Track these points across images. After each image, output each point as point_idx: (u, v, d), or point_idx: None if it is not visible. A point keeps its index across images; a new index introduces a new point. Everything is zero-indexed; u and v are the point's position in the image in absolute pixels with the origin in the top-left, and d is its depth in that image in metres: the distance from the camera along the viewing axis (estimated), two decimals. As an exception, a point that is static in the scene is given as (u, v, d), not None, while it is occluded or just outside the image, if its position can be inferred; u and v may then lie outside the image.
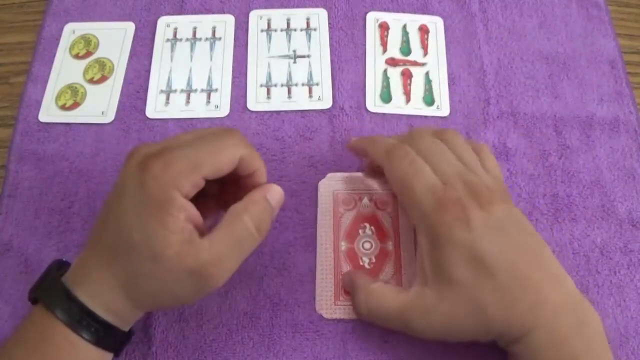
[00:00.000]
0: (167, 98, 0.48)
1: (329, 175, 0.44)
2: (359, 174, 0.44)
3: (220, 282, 0.32)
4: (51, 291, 0.32)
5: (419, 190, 0.35)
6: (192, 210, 0.32)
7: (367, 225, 0.42)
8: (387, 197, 0.42)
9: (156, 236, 0.30)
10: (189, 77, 0.49)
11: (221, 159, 0.33)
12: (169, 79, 0.49)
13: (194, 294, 0.32)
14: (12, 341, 0.32)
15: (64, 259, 0.35)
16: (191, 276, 0.31)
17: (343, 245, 0.41)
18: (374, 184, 0.43)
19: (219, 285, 0.32)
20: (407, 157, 0.36)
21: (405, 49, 0.50)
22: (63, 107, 0.48)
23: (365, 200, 0.42)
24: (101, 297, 0.31)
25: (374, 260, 0.41)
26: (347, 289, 0.39)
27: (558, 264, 0.34)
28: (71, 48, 0.50)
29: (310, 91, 0.48)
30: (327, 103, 0.48)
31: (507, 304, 0.32)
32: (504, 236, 0.33)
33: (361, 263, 0.40)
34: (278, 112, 0.47)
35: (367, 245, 0.41)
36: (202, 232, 0.32)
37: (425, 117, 0.47)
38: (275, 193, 0.35)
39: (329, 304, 0.39)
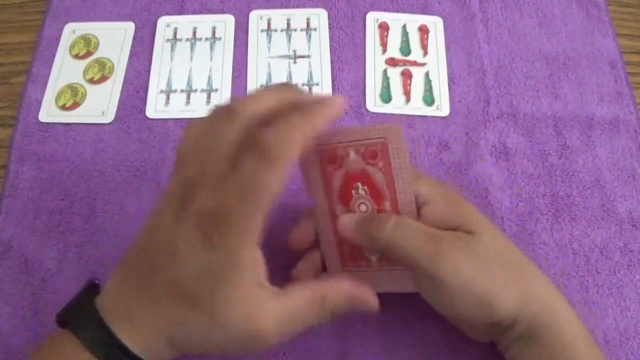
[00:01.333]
0: (167, 98, 0.48)
1: None
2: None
3: (272, 347, 0.31)
4: (85, 322, 0.31)
5: None
6: (259, 262, 0.31)
7: (360, 184, 0.36)
8: (375, 146, 0.36)
9: (225, 298, 0.29)
10: (189, 77, 0.49)
11: (273, 190, 0.30)
12: (169, 79, 0.49)
13: (242, 352, 0.31)
14: None
15: (95, 281, 0.34)
16: (249, 338, 0.30)
17: (339, 210, 0.37)
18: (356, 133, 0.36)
19: (267, 349, 0.31)
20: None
21: (405, 49, 0.50)
22: (63, 107, 0.48)
23: (352, 154, 0.36)
24: (144, 342, 0.30)
25: None
26: (352, 231, 0.35)
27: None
28: (71, 48, 0.50)
29: (310, 91, 0.48)
30: (327, 103, 0.48)
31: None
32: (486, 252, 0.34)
33: None
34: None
35: (363, 208, 0.36)
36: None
37: (425, 117, 0.47)
38: (363, 297, 0.33)
39: (335, 271, 0.37)
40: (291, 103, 0.32)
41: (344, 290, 0.33)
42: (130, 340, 0.30)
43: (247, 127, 0.31)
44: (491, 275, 0.32)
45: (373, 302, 0.34)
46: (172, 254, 0.30)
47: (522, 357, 0.33)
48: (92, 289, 0.33)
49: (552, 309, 0.33)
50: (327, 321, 0.32)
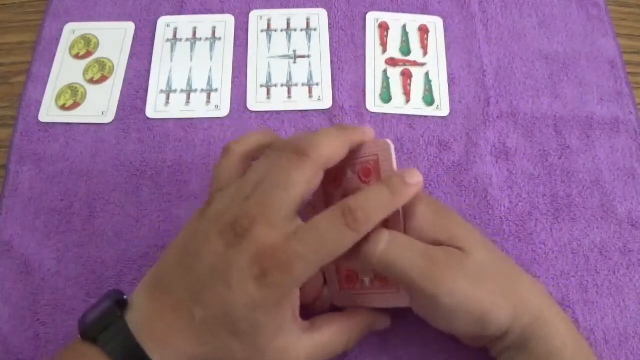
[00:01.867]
0: (167, 98, 0.48)
1: None
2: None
3: None
4: (119, 346, 0.30)
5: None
6: (298, 300, 0.33)
7: None
8: (368, 164, 0.36)
9: (265, 331, 0.30)
10: (189, 77, 0.49)
11: (339, 253, 0.31)
12: (169, 79, 0.49)
13: None
14: None
15: (123, 295, 0.33)
16: None
17: None
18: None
19: None
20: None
21: (405, 49, 0.50)
22: (63, 107, 0.48)
23: (350, 173, 0.37)
24: None
25: None
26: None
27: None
28: (71, 48, 0.50)
29: (310, 91, 0.48)
30: (327, 103, 0.48)
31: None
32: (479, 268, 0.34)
33: None
34: (278, 112, 0.47)
35: None
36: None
37: (425, 117, 0.47)
38: (380, 324, 0.37)
39: (334, 291, 0.38)
40: (359, 142, 0.34)
41: (366, 321, 0.36)
42: None
43: (318, 170, 0.32)
44: (485, 291, 0.32)
45: (387, 323, 0.37)
46: (222, 284, 0.30)
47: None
48: (119, 302, 0.32)
49: (543, 319, 0.33)
50: (352, 349, 0.36)
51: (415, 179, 0.32)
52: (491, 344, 0.35)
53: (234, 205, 0.32)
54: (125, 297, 0.33)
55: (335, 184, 0.37)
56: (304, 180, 0.31)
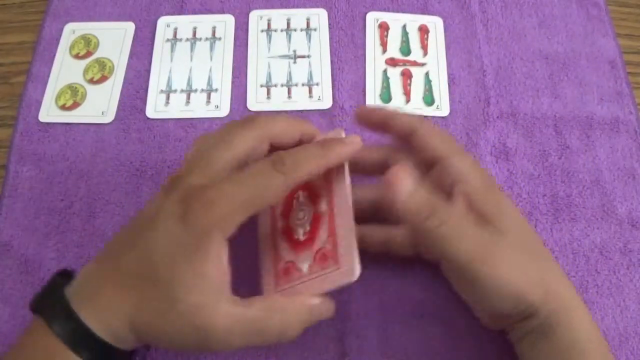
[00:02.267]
0: (167, 98, 0.48)
1: None
2: None
3: (219, 350, 0.31)
4: (53, 308, 0.31)
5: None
6: (224, 266, 0.31)
7: (300, 192, 0.37)
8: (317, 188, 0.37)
9: (183, 279, 0.30)
10: (189, 77, 0.49)
11: (268, 197, 0.31)
12: (169, 79, 0.49)
13: (192, 349, 0.32)
14: (12, 356, 0.32)
15: (68, 269, 0.34)
16: (196, 332, 0.30)
17: (280, 223, 0.37)
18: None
19: (217, 352, 0.31)
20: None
21: (405, 49, 0.50)
22: (63, 107, 0.48)
23: (301, 196, 0.37)
24: (107, 323, 0.31)
25: (308, 228, 0.36)
26: (411, 204, 0.32)
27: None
28: (71, 48, 0.50)
29: (310, 91, 0.48)
30: (327, 103, 0.48)
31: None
32: (516, 244, 0.33)
33: (296, 237, 0.36)
34: (278, 112, 0.47)
35: (300, 215, 0.36)
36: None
37: (426, 117, 0.47)
38: (323, 309, 0.33)
39: (272, 293, 0.35)
40: (311, 135, 0.36)
41: (306, 306, 0.33)
42: (96, 323, 0.30)
43: (263, 138, 0.33)
44: (524, 272, 0.33)
45: (332, 309, 0.34)
46: (150, 228, 0.31)
47: (533, 351, 0.33)
48: (64, 275, 0.34)
49: (571, 309, 0.33)
50: (291, 338, 0.32)
51: (351, 138, 0.34)
52: (513, 325, 0.35)
53: (183, 164, 0.33)
54: (70, 270, 0.34)
55: (285, 212, 0.37)
56: (248, 141, 0.33)
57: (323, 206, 0.35)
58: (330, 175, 0.35)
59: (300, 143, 0.35)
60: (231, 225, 0.31)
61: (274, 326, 0.31)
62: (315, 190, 0.36)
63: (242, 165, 0.33)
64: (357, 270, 0.32)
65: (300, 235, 0.36)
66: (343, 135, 0.36)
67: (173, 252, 0.30)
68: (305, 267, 0.34)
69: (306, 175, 0.32)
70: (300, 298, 0.33)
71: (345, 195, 0.34)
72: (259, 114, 0.47)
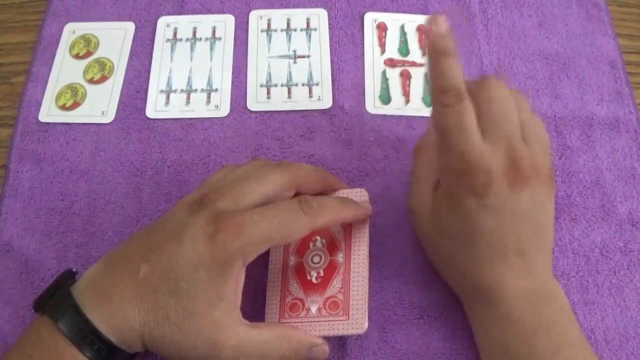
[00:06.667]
0: (167, 98, 0.48)
1: None
2: None
3: None
4: (60, 306, 0.31)
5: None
6: (241, 286, 0.32)
7: (319, 237, 0.40)
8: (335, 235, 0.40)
9: (205, 295, 0.31)
10: (189, 77, 0.49)
11: (292, 233, 0.33)
12: (169, 79, 0.49)
13: None
14: (15, 352, 0.32)
15: (73, 269, 0.35)
16: (210, 348, 0.31)
17: (292, 260, 0.39)
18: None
19: None
20: (454, 106, 0.33)
21: (404, 50, 0.50)
22: (63, 107, 0.48)
23: (318, 240, 0.40)
24: (116, 327, 0.31)
25: (322, 273, 0.38)
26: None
27: (544, 253, 0.36)
28: (71, 48, 0.50)
29: (310, 91, 0.48)
30: (327, 103, 0.48)
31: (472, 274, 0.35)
32: (504, 220, 0.33)
33: (308, 278, 0.38)
34: (278, 112, 0.47)
35: (316, 259, 0.39)
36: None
37: (425, 117, 0.47)
38: (320, 351, 0.35)
39: (275, 322, 0.38)
40: (333, 187, 0.39)
41: (308, 341, 0.34)
42: (104, 325, 0.31)
43: (292, 182, 0.36)
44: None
45: (326, 353, 0.35)
46: (175, 240, 0.32)
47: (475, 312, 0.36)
48: (69, 275, 0.34)
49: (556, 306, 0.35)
50: None
51: (366, 205, 0.38)
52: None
53: (208, 187, 0.35)
54: (74, 270, 0.35)
55: (300, 251, 0.39)
56: (278, 181, 0.35)
57: (340, 257, 0.38)
58: (351, 230, 0.39)
59: (321, 194, 0.39)
60: (254, 253, 0.32)
61: (279, 352, 0.33)
62: (334, 239, 0.39)
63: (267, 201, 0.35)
64: (366, 324, 0.36)
65: (313, 277, 0.38)
66: (365, 194, 0.40)
67: (197, 268, 0.31)
68: (314, 308, 0.37)
69: (328, 222, 0.35)
70: (307, 334, 0.35)
71: (364, 255, 0.38)
72: (259, 114, 0.47)
